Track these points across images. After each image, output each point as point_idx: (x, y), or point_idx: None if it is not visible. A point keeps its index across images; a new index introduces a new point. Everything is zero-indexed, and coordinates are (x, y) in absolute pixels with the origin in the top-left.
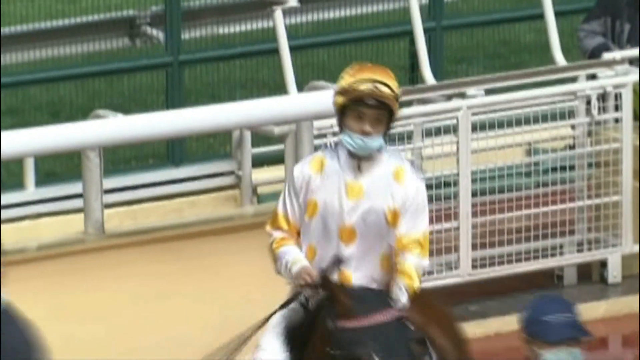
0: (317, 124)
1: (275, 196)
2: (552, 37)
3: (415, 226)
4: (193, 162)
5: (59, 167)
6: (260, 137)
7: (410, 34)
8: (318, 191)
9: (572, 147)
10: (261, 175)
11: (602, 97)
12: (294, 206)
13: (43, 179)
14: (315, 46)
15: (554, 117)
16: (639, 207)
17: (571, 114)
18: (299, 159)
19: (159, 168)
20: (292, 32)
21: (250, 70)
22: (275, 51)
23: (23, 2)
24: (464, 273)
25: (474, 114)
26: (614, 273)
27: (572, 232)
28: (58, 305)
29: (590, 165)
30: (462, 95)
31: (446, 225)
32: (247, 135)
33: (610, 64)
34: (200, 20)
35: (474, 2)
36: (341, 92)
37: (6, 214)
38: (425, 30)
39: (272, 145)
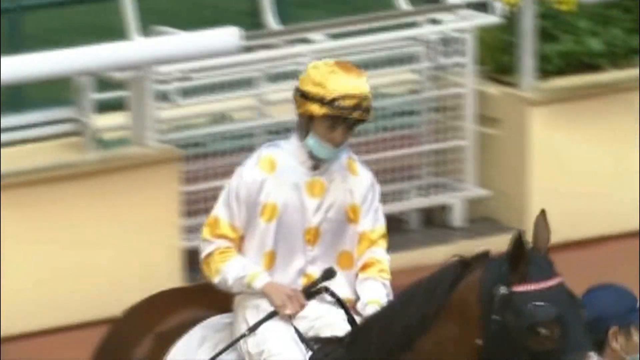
0: (159, 69)
1: (118, 143)
2: None
3: (379, 219)
4: (34, 108)
5: None
6: (103, 83)
7: None
8: (274, 193)
9: (415, 92)
10: (104, 121)
11: (445, 41)
12: (241, 212)
13: None
14: None
15: (397, 62)
16: (481, 151)
17: (414, 58)
18: (142, 105)
19: None
20: None
21: (91, 15)
22: None
23: None
24: None
25: (317, 60)
26: (458, 217)
27: (415, 177)
28: None
29: (433, 110)
30: (306, 41)
31: None
32: (89, 81)
33: (452, 8)
34: None
35: None
36: (319, 100)
37: None
38: None
39: (115, 91)
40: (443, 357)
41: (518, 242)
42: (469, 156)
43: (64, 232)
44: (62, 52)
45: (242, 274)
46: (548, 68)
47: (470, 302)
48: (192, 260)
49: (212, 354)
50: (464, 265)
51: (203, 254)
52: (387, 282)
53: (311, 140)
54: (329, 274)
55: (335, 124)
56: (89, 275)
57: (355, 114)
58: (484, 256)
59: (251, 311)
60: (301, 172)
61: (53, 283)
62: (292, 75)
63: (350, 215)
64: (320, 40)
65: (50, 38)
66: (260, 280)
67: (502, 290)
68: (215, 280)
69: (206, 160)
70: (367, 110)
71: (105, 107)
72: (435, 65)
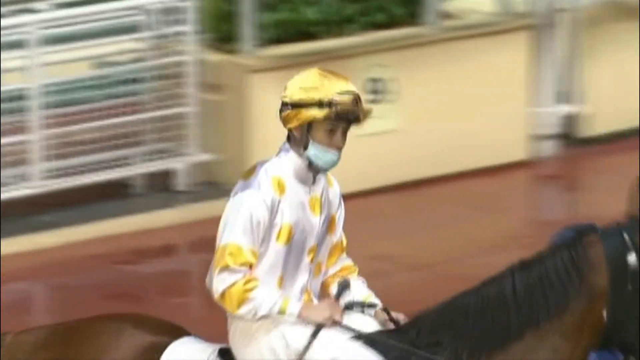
0: None
1: None
2: None
3: (341, 227)
4: None
5: None
6: None
7: None
8: (288, 214)
9: (139, 60)
10: None
11: (167, 11)
12: (260, 236)
13: None
14: None
15: (121, 31)
16: (204, 117)
17: (137, 27)
18: None
19: None
20: None
21: None
22: None
23: None
24: (37, 184)
25: (43, 28)
26: (182, 182)
27: (140, 143)
28: None
29: (156, 78)
30: (31, 10)
31: (19, 138)
32: None
33: None
34: None
35: None
36: (317, 104)
37: None
38: None
39: None
40: (561, 343)
41: None
42: (192, 122)
43: None
44: None
45: (275, 301)
46: (267, 36)
47: (595, 277)
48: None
49: None
50: (575, 242)
51: (226, 284)
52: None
53: (312, 150)
54: (346, 285)
55: (335, 126)
56: None
57: (356, 110)
58: (592, 229)
59: (278, 340)
60: (303, 191)
61: None
62: (17, 45)
63: (330, 226)
64: (45, 9)
65: None
66: (293, 305)
67: (632, 259)
68: (242, 309)
69: None
70: (363, 109)
71: None
72: (158, 34)
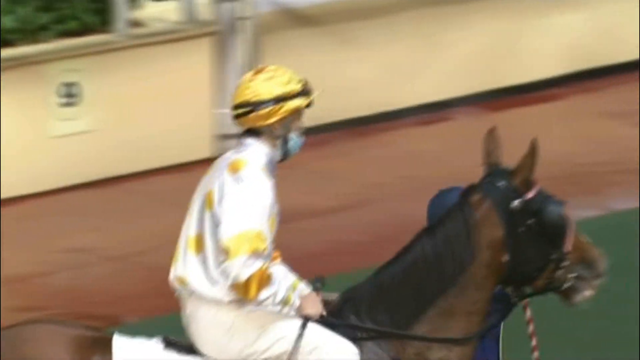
0: None
1: None
2: None
3: None
4: None
5: None
6: None
7: None
8: (274, 204)
9: None
10: None
11: None
12: (269, 224)
13: None
14: None
15: None
16: None
17: None
18: None
19: None
20: None
21: None
22: None
23: None
24: None
25: None
26: None
27: None
28: None
29: None
30: None
31: None
32: None
33: None
34: None
35: None
36: (299, 94)
37: None
38: None
39: None
40: (476, 294)
41: (533, 151)
42: None
43: None
44: None
45: (288, 287)
46: None
47: (491, 229)
48: None
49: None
50: (464, 203)
51: (252, 270)
52: None
53: (293, 139)
54: (321, 280)
55: (301, 113)
56: None
57: (314, 94)
58: (473, 187)
59: (273, 331)
60: (273, 179)
61: None
62: None
63: None
64: None
65: None
66: (302, 287)
67: (517, 203)
68: (263, 294)
69: None
70: None
71: None
72: None
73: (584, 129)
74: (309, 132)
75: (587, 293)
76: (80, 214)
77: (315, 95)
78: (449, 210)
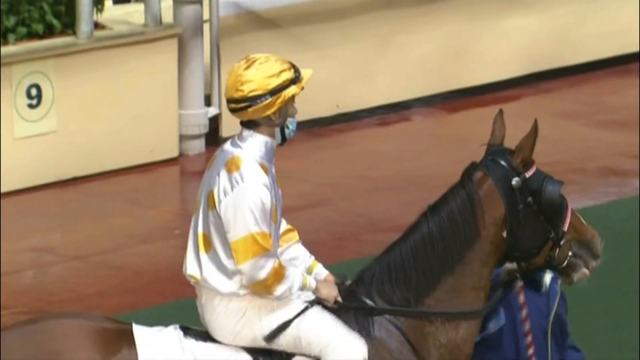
0: None
1: None
2: None
3: None
4: None
5: None
6: None
7: None
8: (273, 195)
9: None
10: None
11: None
12: (270, 221)
13: None
14: None
15: None
16: None
17: None
18: None
19: None
20: None
21: None
22: None
23: None
24: None
25: None
26: None
27: None
28: None
29: None
30: None
31: None
32: None
33: None
34: None
35: None
36: (293, 81)
37: None
38: None
39: None
40: (482, 270)
41: (534, 132)
42: None
43: None
44: None
45: (301, 277)
46: None
47: (494, 206)
48: None
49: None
50: (467, 180)
51: (267, 269)
52: None
53: (290, 125)
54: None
55: (294, 98)
56: None
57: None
58: (475, 165)
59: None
60: (272, 168)
61: None
62: None
63: None
64: None
65: None
66: (311, 280)
67: (517, 180)
68: (279, 290)
69: None
70: None
71: None
72: None
73: (539, 129)
74: None
75: (586, 271)
76: (44, 214)
77: (308, 76)
78: (452, 188)
